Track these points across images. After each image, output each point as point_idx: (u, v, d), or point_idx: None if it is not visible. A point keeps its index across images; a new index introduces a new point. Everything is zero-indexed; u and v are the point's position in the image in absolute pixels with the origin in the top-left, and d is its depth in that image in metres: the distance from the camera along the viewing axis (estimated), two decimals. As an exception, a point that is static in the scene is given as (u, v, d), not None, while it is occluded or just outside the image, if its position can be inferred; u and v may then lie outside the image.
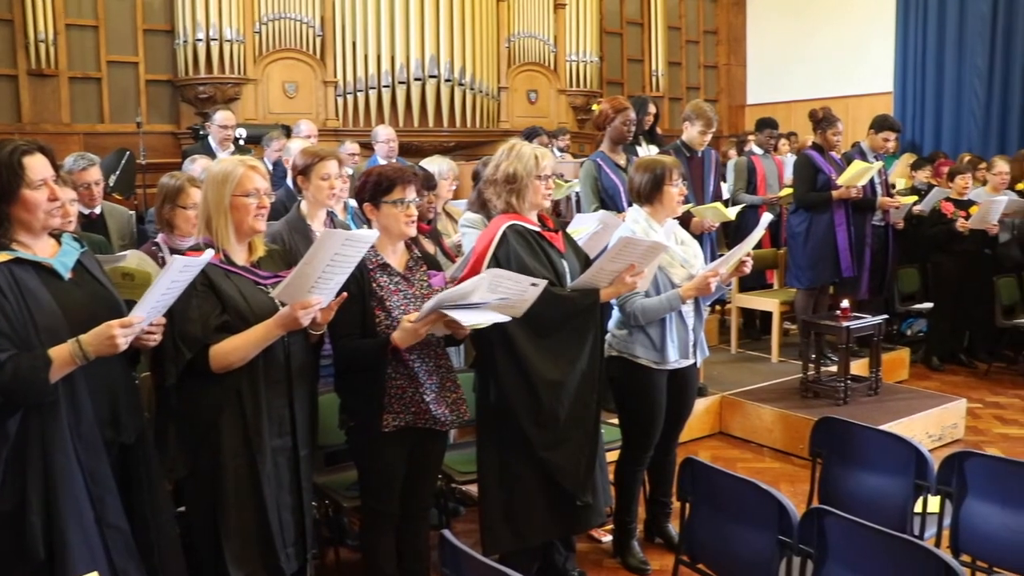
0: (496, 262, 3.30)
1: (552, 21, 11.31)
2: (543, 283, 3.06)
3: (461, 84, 10.10)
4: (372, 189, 3.12)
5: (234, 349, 2.72)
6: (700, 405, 5.62)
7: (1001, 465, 3.18)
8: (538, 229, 3.43)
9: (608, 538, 4.19)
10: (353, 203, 3.97)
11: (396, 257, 3.19)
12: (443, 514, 3.98)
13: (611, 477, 3.87)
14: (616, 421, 4.04)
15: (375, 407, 3.06)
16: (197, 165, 5.13)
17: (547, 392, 3.29)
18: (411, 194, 3.12)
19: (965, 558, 3.15)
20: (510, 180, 3.39)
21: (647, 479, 4.18)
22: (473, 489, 3.92)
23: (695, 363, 4.01)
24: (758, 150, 7.90)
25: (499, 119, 10.77)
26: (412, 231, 3.16)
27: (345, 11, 9.69)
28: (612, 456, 3.99)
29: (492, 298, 2.93)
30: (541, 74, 11.25)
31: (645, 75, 12.89)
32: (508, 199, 3.40)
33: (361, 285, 3.02)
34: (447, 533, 2.41)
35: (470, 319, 2.91)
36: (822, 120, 6.47)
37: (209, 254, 2.61)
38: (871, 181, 6.44)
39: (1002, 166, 7.41)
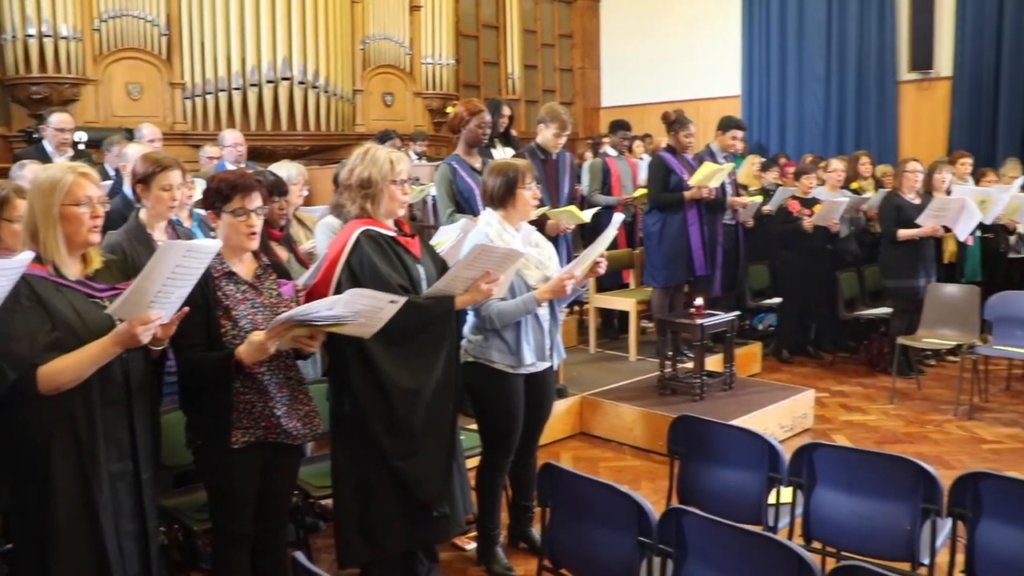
0: (349, 268, 3.21)
1: (408, 23, 11.21)
2: (402, 300, 2.98)
3: (315, 87, 9.88)
4: (212, 197, 2.98)
5: (65, 369, 2.54)
6: (560, 406, 5.65)
7: (847, 454, 3.30)
8: (393, 234, 3.35)
9: (472, 546, 4.14)
10: (201, 210, 3.79)
11: (243, 265, 3.06)
12: (301, 530, 3.86)
13: (472, 483, 3.83)
14: (475, 427, 4.00)
15: (223, 423, 2.92)
16: (27, 171, 4.81)
17: (402, 401, 3.22)
18: (253, 203, 2.98)
19: (816, 545, 3.25)
20: (365, 185, 3.30)
21: (509, 484, 4.15)
22: (331, 503, 3.81)
23: (552, 365, 4.01)
24: (612, 152, 8.01)
25: (354, 122, 10.59)
26: (252, 244, 3.02)
27: (192, 10, 9.30)
28: (473, 462, 3.95)
29: (346, 314, 2.84)
30: (397, 77, 11.14)
31: (501, 78, 12.94)
32: (363, 204, 3.32)
33: (206, 294, 2.88)
34: (299, 555, 2.30)
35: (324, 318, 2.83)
36: (674, 122, 6.61)
37: (28, 255, 2.43)
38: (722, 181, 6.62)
39: (837, 165, 7.79)
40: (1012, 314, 6.27)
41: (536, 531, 4.03)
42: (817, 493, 3.21)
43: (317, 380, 3.81)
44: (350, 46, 10.50)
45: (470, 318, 3.78)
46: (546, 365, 3.93)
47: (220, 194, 2.97)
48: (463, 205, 5.11)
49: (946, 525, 3.08)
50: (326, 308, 2.81)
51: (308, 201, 5.19)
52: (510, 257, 3.40)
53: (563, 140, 5.49)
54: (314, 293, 3.18)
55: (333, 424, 3.37)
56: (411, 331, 3.22)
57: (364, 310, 2.89)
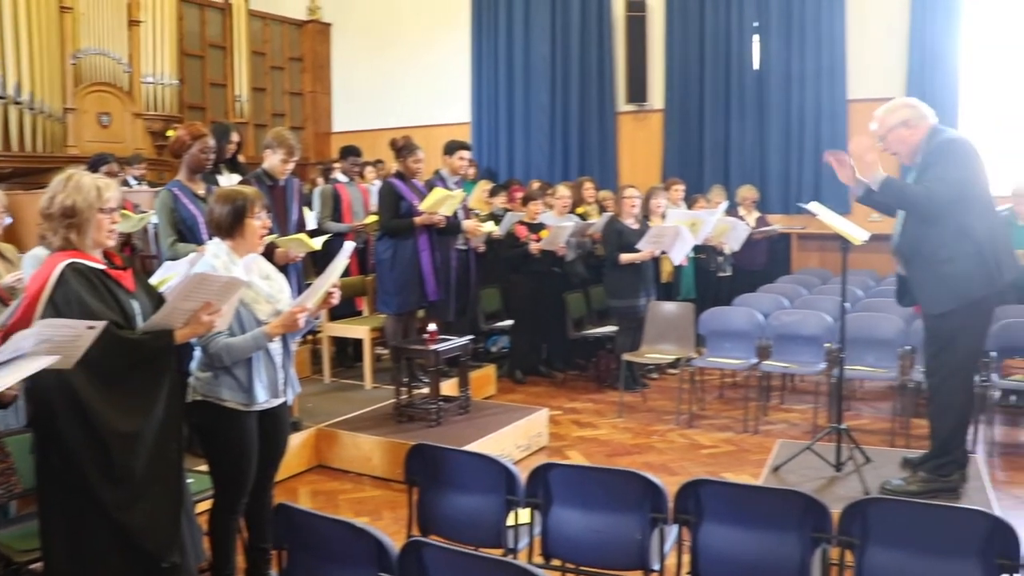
0: (53, 305, 2.91)
1: (126, 39, 10.55)
2: (101, 324, 2.74)
3: (18, 103, 9.08)
4: None
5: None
6: (296, 440, 5.46)
7: (578, 472, 3.39)
8: (103, 267, 3.09)
9: (206, 594, 3.89)
10: None
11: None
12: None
13: (204, 529, 3.60)
14: (205, 469, 3.77)
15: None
16: None
17: (119, 446, 2.95)
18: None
19: (556, 563, 3.31)
20: (68, 214, 3.02)
21: (244, 526, 3.94)
22: (41, 567, 3.45)
23: (286, 401, 3.86)
24: (343, 178, 7.92)
25: (66, 143, 9.82)
26: None
27: None
28: (204, 506, 3.72)
29: (35, 344, 2.57)
30: (114, 95, 10.44)
31: (228, 100, 12.48)
32: (67, 235, 3.04)
33: None
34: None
35: (8, 378, 2.52)
36: (402, 148, 6.62)
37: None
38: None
39: (564, 192, 8.11)
40: (721, 328, 6.79)
41: (275, 574, 3.85)
42: (553, 512, 3.27)
43: (20, 430, 3.45)
44: (59, 60, 9.73)
45: (197, 354, 3.56)
46: (280, 401, 3.77)
47: None
48: (186, 234, 4.84)
49: (673, 531, 3.23)
50: (13, 347, 2.53)
51: (13, 230, 4.71)
52: (231, 286, 3.22)
53: (291, 166, 5.34)
54: (13, 333, 2.87)
55: (40, 479, 3.05)
56: (125, 369, 2.97)
57: (60, 340, 2.63)
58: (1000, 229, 4.61)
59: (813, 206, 4.80)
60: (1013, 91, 9.80)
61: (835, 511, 2.90)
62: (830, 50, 10.24)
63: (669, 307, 7.21)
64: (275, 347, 3.66)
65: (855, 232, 4.70)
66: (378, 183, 8.57)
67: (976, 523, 2.75)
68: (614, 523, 3.14)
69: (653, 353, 7.01)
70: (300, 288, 5.15)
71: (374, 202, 7.89)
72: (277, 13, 13.43)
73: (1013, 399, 6.95)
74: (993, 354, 6.10)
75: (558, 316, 7.74)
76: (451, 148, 7.03)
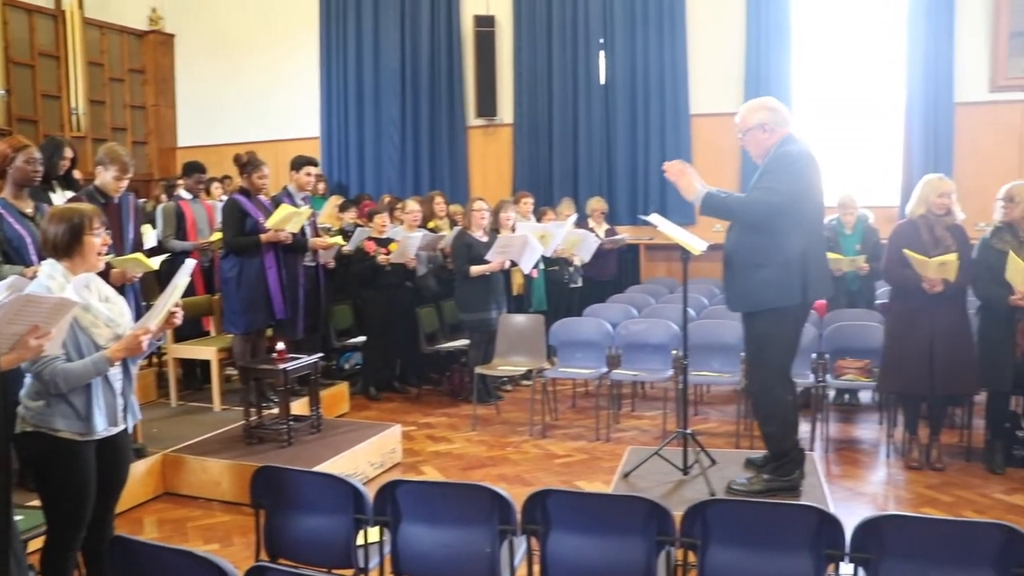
0: None
1: (-58, 45, 9.93)
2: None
3: None
4: None
5: None
6: (139, 468, 5.25)
7: (427, 487, 3.38)
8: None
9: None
10: None
11: None
12: None
13: (37, 568, 3.41)
14: (38, 503, 3.57)
15: None
16: None
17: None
18: None
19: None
20: None
21: (82, 562, 3.75)
22: None
23: (126, 428, 3.70)
24: (186, 195, 7.67)
25: None
26: None
27: None
28: (37, 543, 3.52)
29: None
30: (-71, 107, 9.81)
31: (63, 113, 11.85)
32: None
33: None
34: None
35: None
36: (247, 164, 6.48)
37: None
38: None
39: (413, 206, 8.09)
40: (573, 339, 6.91)
41: (111, 609, 3.68)
42: (403, 529, 3.25)
43: None
44: None
45: (28, 380, 3.37)
46: (119, 429, 3.60)
47: None
48: (11, 255, 4.57)
49: (522, 542, 3.26)
50: None
51: None
52: (61, 307, 3.05)
53: (125, 183, 5.12)
54: None
55: None
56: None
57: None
58: (819, 248, 4.83)
59: (653, 218, 4.95)
60: (841, 106, 10.43)
61: (679, 513, 2.99)
62: (672, 66, 10.63)
63: (520, 319, 7.28)
64: (114, 372, 3.50)
65: (694, 242, 4.87)
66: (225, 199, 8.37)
67: (806, 518, 2.88)
68: (463, 537, 3.14)
69: (505, 365, 7.06)
70: (139, 310, 4.96)
71: (220, 219, 7.70)
72: (116, 22, 12.84)
73: (847, 397, 7.34)
74: (827, 356, 6.43)
75: (411, 331, 7.72)
76: (298, 164, 6.93)
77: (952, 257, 5.33)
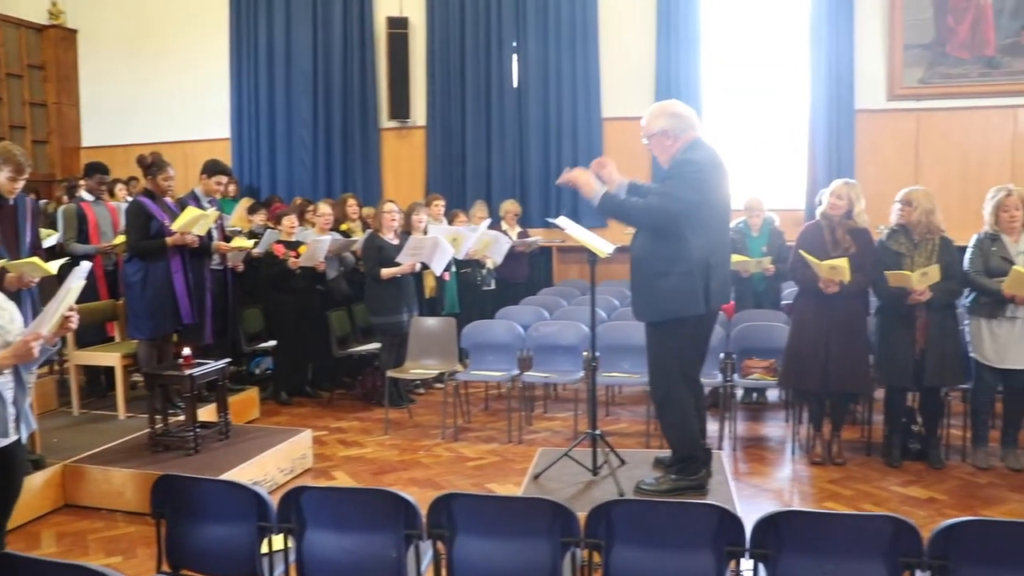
0: None
1: None
2: None
3: None
4: None
5: None
6: (37, 480, 5.09)
7: (331, 493, 3.34)
8: None
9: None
10: None
11: None
12: None
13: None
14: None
15: None
16: None
17: None
18: None
19: (314, 587, 3.25)
20: None
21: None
22: None
23: (20, 439, 3.58)
24: (88, 196, 7.45)
25: None
26: None
27: None
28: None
29: None
30: None
31: (-46, 109, 11.45)
32: None
33: None
34: None
35: None
36: (151, 165, 6.34)
37: None
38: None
39: (324, 209, 8.00)
40: (485, 341, 6.93)
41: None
42: (308, 535, 3.21)
43: None
44: None
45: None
46: (11, 440, 3.49)
47: None
48: None
49: (429, 547, 3.25)
50: None
51: None
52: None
53: (20, 184, 4.95)
54: None
55: None
56: None
57: None
58: (723, 255, 4.89)
59: (560, 221, 4.99)
60: (749, 111, 10.68)
61: (584, 514, 3.02)
62: (584, 70, 10.74)
63: (431, 322, 7.27)
64: (4, 380, 3.39)
65: (600, 245, 4.92)
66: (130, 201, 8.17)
67: (707, 516, 2.94)
68: (369, 543, 3.11)
69: (417, 369, 7.04)
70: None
71: (124, 222, 7.51)
72: (12, 15, 12.40)
73: (755, 396, 7.51)
74: (734, 355, 6.57)
75: (322, 335, 7.63)
76: (211, 170, 6.80)
77: (842, 262, 5.49)
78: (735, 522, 2.90)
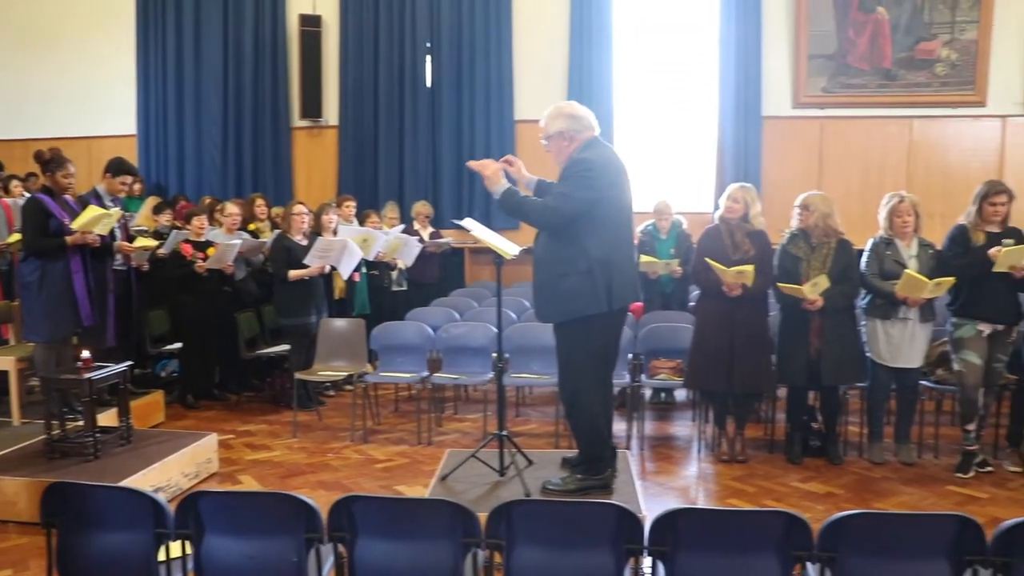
0: None
1: None
2: None
3: None
4: None
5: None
6: (-80, 489, 4.90)
7: (230, 498, 3.29)
8: None
9: None
10: None
11: None
12: None
13: None
14: None
15: None
16: None
17: None
18: None
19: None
20: None
21: None
22: None
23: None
24: (-18, 193, 7.21)
25: None
26: None
27: None
28: None
29: None
30: None
31: None
32: None
33: None
34: None
35: None
36: (49, 162, 6.15)
37: None
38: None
39: (232, 209, 7.88)
40: (394, 343, 6.91)
41: None
42: (207, 541, 3.16)
43: None
44: None
45: None
46: None
47: None
48: None
49: (331, 550, 3.22)
50: None
51: None
52: None
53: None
54: None
55: None
56: None
57: None
58: (625, 254, 4.91)
59: (466, 222, 4.99)
60: (661, 115, 10.87)
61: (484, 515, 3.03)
62: (498, 72, 10.79)
63: (340, 324, 7.21)
64: None
65: (506, 246, 4.93)
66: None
67: (607, 515, 2.97)
68: (269, 547, 3.07)
69: (326, 371, 6.98)
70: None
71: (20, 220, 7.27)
72: None
73: (664, 396, 7.64)
74: (642, 356, 6.67)
75: (230, 336, 7.50)
76: (117, 169, 6.62)
77: (749, 268, 5.63)
78: (634, 520, 2.95)
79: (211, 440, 5.94)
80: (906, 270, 5.68)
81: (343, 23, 11.14)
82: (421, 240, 8.78)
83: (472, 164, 4.81)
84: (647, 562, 3.04)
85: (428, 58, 10.95)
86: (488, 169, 4.70)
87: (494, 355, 6.53)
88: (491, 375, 6.54)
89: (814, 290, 5.66)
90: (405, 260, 8.43)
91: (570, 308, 4.63)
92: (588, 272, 4.56)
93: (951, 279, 5.63)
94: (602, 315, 4.64)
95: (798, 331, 5.86)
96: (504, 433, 5.05)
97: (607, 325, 4.78)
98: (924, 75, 10.30)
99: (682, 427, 7.03)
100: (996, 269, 5.52)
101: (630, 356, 6.62)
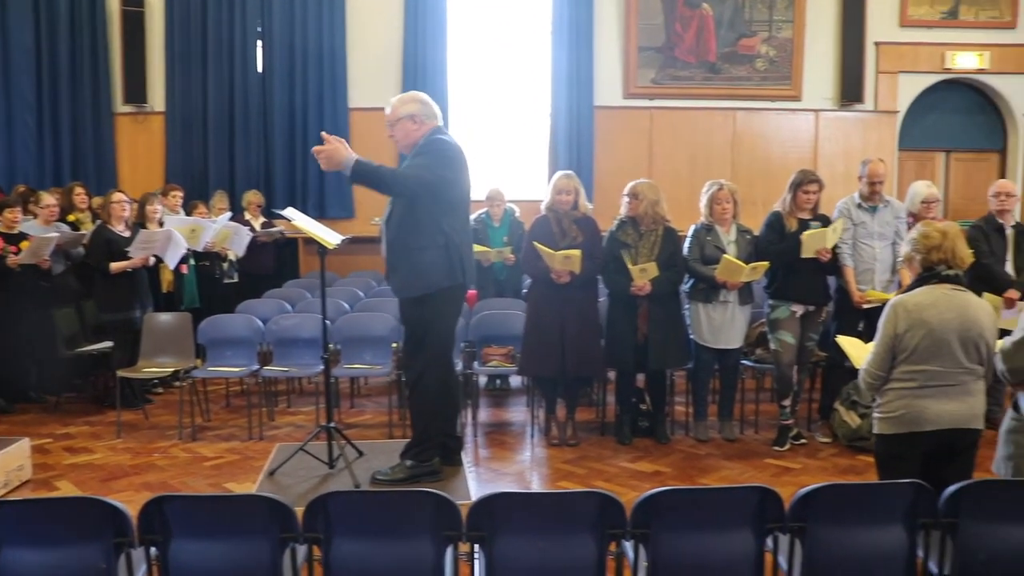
0: None
1: None
2: None
3: None
4: None
5: None
6: None
7: (35, 506, 3.13)
8: None
9: None
10: None
11: None
12: None
13: None
14: None
15: None
16: None
17: None
18: None
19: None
20: None
21: None
22: None
23: None
24: None
25: None
26: None
27: None
28: None
29: None
30: None
31: None
32: None
33: None
34: None
35: None
36: None
37: None
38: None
39: (48, 199, 7.48)
40: (223, 336, 6.72)
41: None
42: (4, 554, 2.98)
43: None
44: None
45: None
46: None
47: None
48: None
49: (143, 555, 3.11)
50: None
51: None
52: None
53: None
54: None
55: None
56: None
57: None
58: (466, 237, 5.06)
59: (288, 212, 4.93)
60: (494, 104, 10.96)
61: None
62: (331, 60, 10.61)
63: (165, 318, 6.96)
64: None
65: (328, 236, 4.91)
66: None
67: (424, 503, 2.99)
68: (75, 555, 2.94)
69: (151, 367, 6.72)
70: None
71: None
72: None
73: (498, 383, 7.73)
74: (475, 344, 6.72)
75: (47, 334, 7.11)
76: None
77: (576, 252, 5.76)
78: (451, 507, 2.97)
79: (23, 445, 5.60)
80: (725, 255, 5.93)
81: (168, 3, 10.64)
82: (252, 230, 8.56)
83: (317, 148, 4.76)
84: (465, 547, 3.07)
85: (259, 42, 10.65)
86: (331, 148, 4.66)
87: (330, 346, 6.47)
88: (322, 367, 6.45)
89: (643, 275, 5.83)
90: (236, 250, 8.21)
91: (429, 281, 4.75)
92: (445, 247, 4.72)
93: (766, 263, 5.93)
94: (453, 289, 4.79)
95: (626, 316, 6.03)
96: (332, 425, 5.01)
97: (456, 303, 4.94)
98: (745, 69, 10.80)
99: (516, 413, 7.13)
100: (804, 255, 5.84)
101: (463, 344, 6.66)
